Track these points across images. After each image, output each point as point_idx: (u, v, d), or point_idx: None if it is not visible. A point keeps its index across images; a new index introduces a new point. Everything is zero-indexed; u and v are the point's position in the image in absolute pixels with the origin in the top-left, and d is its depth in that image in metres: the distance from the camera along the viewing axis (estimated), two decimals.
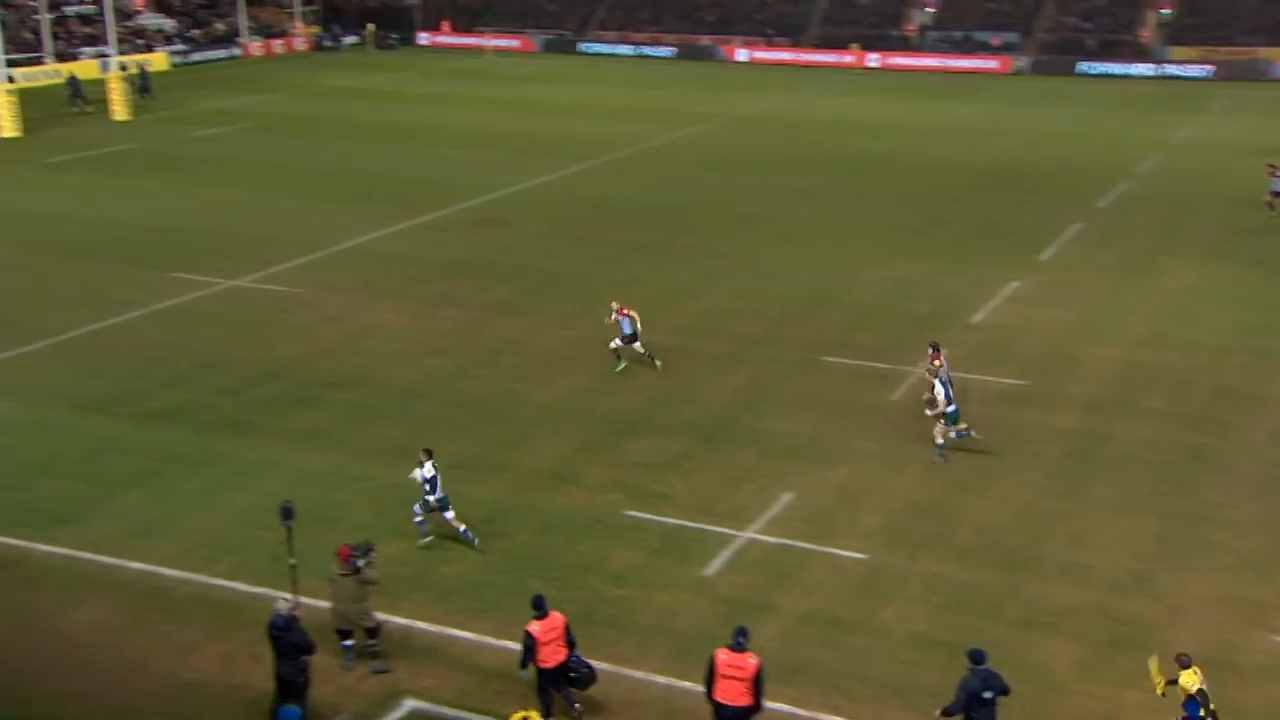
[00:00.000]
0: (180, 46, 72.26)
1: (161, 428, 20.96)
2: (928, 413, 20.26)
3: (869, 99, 61.71)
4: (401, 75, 69.58)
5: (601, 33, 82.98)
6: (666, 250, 32.83)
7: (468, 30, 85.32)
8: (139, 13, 72.95)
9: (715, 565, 16.85)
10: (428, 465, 16.94)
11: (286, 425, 21.12)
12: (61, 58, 63.38)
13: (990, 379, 23.59)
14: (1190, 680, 12.70)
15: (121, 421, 21.21)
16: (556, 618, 13.53)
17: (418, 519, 17.17)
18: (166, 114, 53.71)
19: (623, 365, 23.66)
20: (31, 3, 64.29)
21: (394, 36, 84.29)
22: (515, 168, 43.39)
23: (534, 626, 13.36)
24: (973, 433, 20.32)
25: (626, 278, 30.10)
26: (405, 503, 18.30)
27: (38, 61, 61.66)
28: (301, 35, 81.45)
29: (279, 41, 79.27)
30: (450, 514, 17.10)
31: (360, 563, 14.23)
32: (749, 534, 17.69)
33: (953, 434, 20.11)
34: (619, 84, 66.31)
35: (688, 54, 78.75)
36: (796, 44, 77.83)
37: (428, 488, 16.94)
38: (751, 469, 19.79)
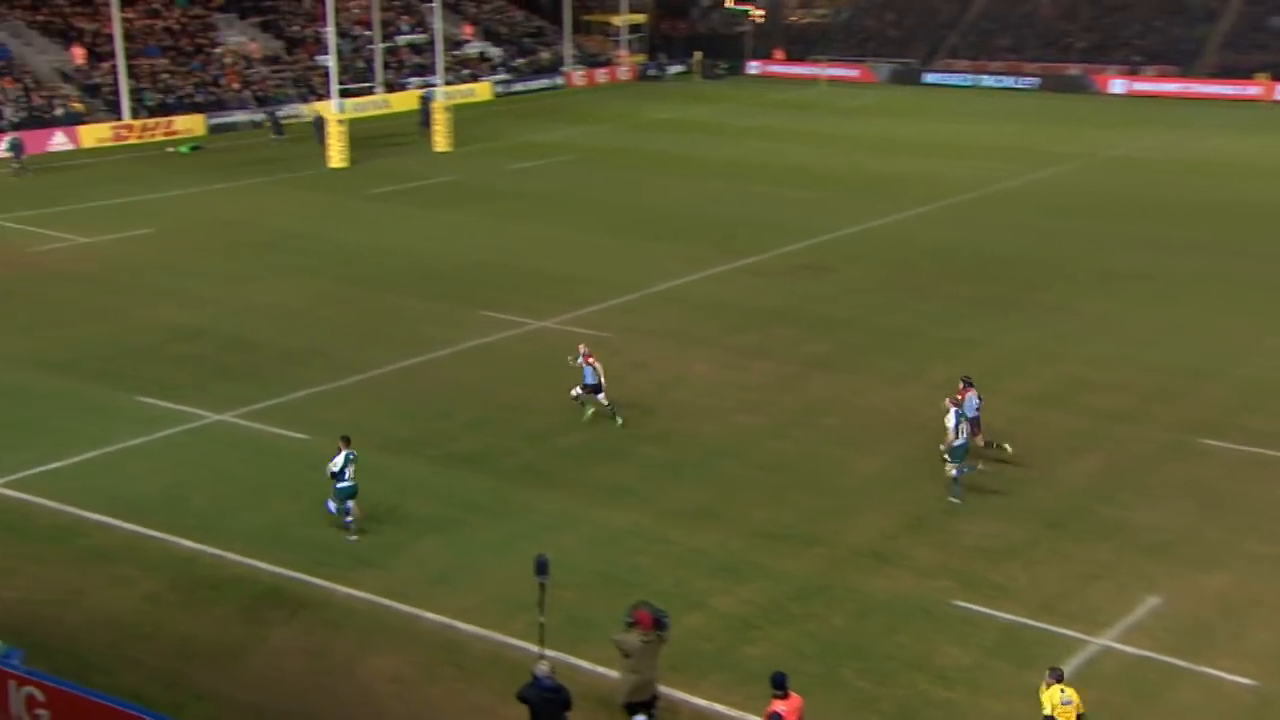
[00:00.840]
0: (504, 76, 77.30)
1: (464, 472, 22.21)
2: (941, 448, 20.87)
3: (1277, 137, 57.64)
4: (726, 107, 71.34)
5: (952, 61, 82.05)
6: (1015, 307, 31.84)
7: (802, 59, 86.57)
8: (467, 41, 78.67)
9: None
10: (340, 455, 19.05)
11: (588, 478, 21.87)
12: (390, 87, 69.28)
13: None
14: (1054, 698, 12.75)
15: (425, 463, 22.64)
16: (796, 699, 13.45)
17: (348, 519, 19.27)
18: (487, 145, 57.46)
19: (590, 411, 24.02)
20: (367, 32, 70.65)
21: (722, 65, 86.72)
22: (844, 210, 43.42)
23: (780, 706, 13.29)
24: (968, 473, 20.64)
25: (967, 336, 29.37)
26: (710, 572, 18.53)
27: (368, 92, 67.62)
28: (625, 64, 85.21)
29: (602, 71, 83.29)
30: (351, 503, 19.25)
31: (667, 621, 14.51)
32: (1104, 641, 16.73)
33: (953, 471, 20.45)
34: (969, 118, 65.18)
35: (1053, 85, 76.62)
36: (1186, 73, 74.05)
37: (340, 476, 19.02)
38: (1109, 565, 18.74)
